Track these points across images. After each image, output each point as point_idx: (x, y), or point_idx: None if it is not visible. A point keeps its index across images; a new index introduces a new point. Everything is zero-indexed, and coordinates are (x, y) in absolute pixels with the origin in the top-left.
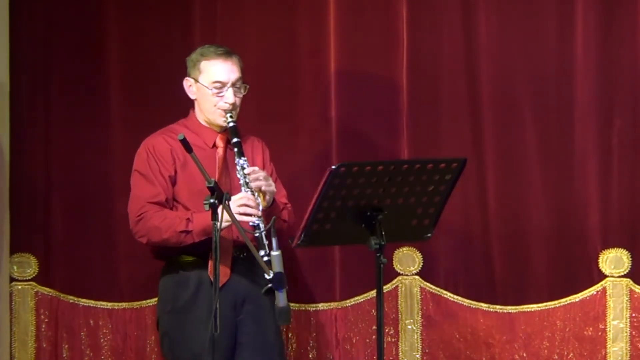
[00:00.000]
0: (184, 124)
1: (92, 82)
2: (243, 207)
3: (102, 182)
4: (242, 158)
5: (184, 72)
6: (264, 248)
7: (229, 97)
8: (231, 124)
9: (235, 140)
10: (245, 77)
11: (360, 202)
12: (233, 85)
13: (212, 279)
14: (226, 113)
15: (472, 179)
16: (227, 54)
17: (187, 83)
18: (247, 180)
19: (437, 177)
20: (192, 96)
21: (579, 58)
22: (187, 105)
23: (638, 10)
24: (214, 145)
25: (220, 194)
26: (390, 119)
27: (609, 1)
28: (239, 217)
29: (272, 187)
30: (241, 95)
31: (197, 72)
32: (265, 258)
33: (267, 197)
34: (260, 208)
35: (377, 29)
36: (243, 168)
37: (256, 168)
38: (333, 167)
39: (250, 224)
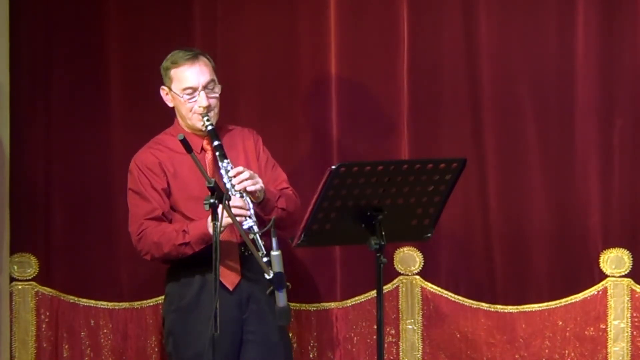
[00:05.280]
0: (170, 133)
1: (93, 82)
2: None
3: (102, 182)
4: (225, 161)
5: None
6: (260, 250)
7: (202, 100)
8: (209, 127)
9: (216, 143)
10: (241, 76)
11: (360, 202)
12: (205, 87)
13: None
14: (203, 117)
15: (473, 179)
16: (194, 57)
17: (164, 92)
18: (233, 183)
19: (437, 177)
20: (169, 104)
21: (579, 58)
22: None
23: (638, 10)
24: (202, 150)
25: (220, 194)
26: (391, 119)
27: (609, 0)
28: (227, 220)
29: (259, 185)
30: (215, 96)
31: (169, 81)
32: (265, 259)
33: (257, 194)
34: (251, 207)
35: (377, 29)
36: (227, 171)
37: (240, 168)
38: (333, 167)
39: (244, 227)
